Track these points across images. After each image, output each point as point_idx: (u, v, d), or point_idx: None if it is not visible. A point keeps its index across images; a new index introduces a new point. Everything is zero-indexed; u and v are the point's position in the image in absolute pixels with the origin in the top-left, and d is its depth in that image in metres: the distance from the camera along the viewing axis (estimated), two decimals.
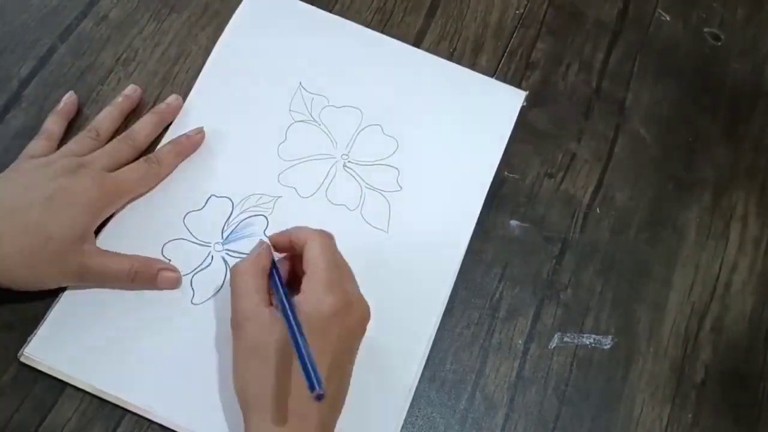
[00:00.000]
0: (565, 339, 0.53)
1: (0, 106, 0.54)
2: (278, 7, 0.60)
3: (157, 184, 0.52)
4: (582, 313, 0.54)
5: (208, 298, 0.50)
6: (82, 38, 0.58)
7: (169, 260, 0.50)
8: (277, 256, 0.48)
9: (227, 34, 0.59)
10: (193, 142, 0.54)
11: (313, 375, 0.38)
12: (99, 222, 0.49)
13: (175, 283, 0.49)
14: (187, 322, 0.49)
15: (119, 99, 0.54)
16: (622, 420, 0.51)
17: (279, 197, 0.54)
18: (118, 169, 0.50)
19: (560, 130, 0.59)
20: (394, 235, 0.54)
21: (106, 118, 0.53)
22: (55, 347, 0.47)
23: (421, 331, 0.51)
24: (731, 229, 0.58)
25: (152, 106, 0.55)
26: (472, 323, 0.52)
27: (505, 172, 0.57)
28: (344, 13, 0.61)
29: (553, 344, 0.53)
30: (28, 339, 0.47)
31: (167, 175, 0.53)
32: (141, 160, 0.52)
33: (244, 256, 0.51)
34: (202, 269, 0.51)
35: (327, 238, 0.46)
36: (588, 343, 0.53)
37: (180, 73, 0.57)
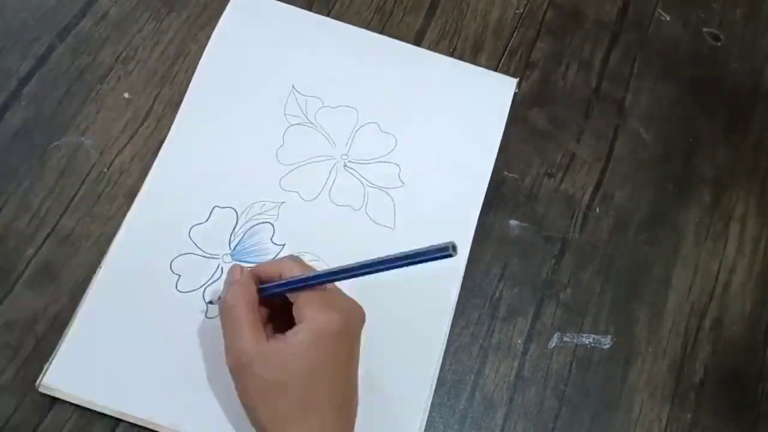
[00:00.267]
0: (565, 339, 0.53)
1: None
2: (261, 11, 0.60)
3: None
4: (581, 312, 0.54)
5: None
6: (82, 37, 0.57)
7: (179, 276, 0.50)
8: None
9: (213, 43, 0.58)
10: None
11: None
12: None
13: None
14: (203, 336, 0.49)
15: None
16: (621, 420, 0.51)
17: (282, 203, 0.54)
18: None
19: (560, 130, 0.59)
20: (401, 232, 0.54)
21: None
22: (73, 373, 0.47)
23: (437, 327, 0.51)
24: (730, 230, 0.58)
25: (151, 109, 0.55)
26: (471, 323, 0.52)
27: (505, 172, 0.57)
28: (344, 14, 0.61)
29: (552, 344, 0.53)
30: (44, 367, 0.47)
31: None
32: None
33: (253, 265, 0.50)
34: (213, 282, 0.50)
35: (304, 264, 0.46)
36: (587, 342, 0.53)
37: (179, 72, 0.57)
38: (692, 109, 0.62)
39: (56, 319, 0.48)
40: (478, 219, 0.55)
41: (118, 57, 0.57)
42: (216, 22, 0.59)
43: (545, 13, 0.64)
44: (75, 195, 0.52)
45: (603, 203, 0.58)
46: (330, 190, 0.55)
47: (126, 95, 0.56)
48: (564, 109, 0.60)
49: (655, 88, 0.62)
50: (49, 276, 0.50)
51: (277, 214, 0.53)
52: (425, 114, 0.58)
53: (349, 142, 0.57)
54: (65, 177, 0.53)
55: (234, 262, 0.51)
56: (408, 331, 0.51)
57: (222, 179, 0.54)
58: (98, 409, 0.46)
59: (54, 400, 0.46)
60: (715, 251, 0.57)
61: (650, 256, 0.56)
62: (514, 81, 0.60)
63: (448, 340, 0.51)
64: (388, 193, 0.55)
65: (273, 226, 0.53)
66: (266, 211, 0.53)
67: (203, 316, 0.49)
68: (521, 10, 0.64)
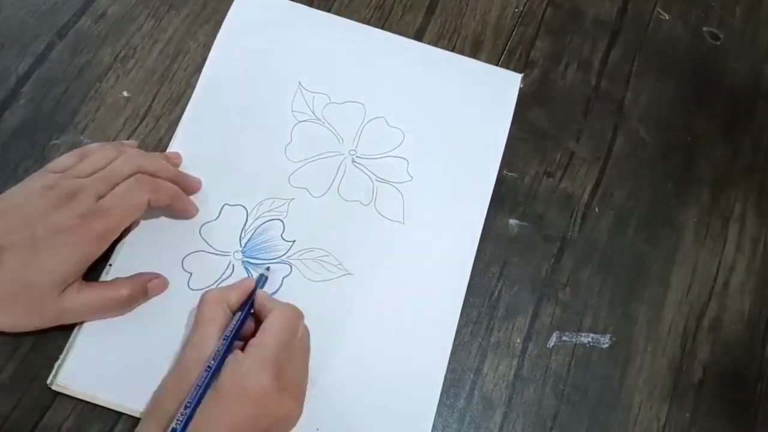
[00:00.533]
0: (564, 338, 0.53)
1: None
2: (267, 8, 0.60)
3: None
4: (580, 312, 0.54)
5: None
6: (80, 35, 0.57)
7: (190, 273, 0.50)
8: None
9: (220, 42, 0.58)
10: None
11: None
12: (87, 264, 0.46)
13: (163, 288, 0.49)
14: None
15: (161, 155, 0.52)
16: (619, 419, 0.51)
17: (292, 199, 0.54)
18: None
19: (559, 129, 0.59)
20: (411, 226, 0.54)
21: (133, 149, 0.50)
22: (86, 371, 0.47)
23: (447, 326, 0.51)
24: (729, 229, 0.58)
25: (150, 107, 0.55)
26: (470, 322, 0.52)
27: (504, 171, 0.57)
28: (343, 11, 0.61)
29: (551, 343, 0.53)
30: (56, 365, 0.47)
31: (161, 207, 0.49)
32: (133, 179, 0.47)
33: (264, 262, 0.51)
34: (225, 279, 0.51)
35: (293, 317, 0.46)
36: (586, 342, 0.53)
37: (179, 70, 0.57)
38: (691, 108, 0.62)
39: None
40: None
41: (117, 55, 0.57)
42: (215, 20, 0.59)
43: (545, 11, 0.64)
44: None
45: (602, 202, 0.58)
46: (339, 185, 0.55)
47: (125, 93, 0.56)
48: (563, 108, 0.60)
49: (654, 87, 0.62)
50: None
51: (287, 211, 0.53)
52: (432, 108, 0.58)
53: (357, 137, 0.57)
54: None
55: (244, 260, 0.52)
56: (419, 331, 0.51)
57: (231, 177, 0.54)
58: (117, 408, 0.46)
59: (54, 397, 0.46)
60: (714, 250, 0.57)
61: (649, 256, 0.56)
62: (519, 76, 0.60)
63: None
64: (396, 188, 0.55)
65: (283, 222, 0.53)
66: (276, 207, 0.53)
67: None
68: (521, 9, 0.64)
